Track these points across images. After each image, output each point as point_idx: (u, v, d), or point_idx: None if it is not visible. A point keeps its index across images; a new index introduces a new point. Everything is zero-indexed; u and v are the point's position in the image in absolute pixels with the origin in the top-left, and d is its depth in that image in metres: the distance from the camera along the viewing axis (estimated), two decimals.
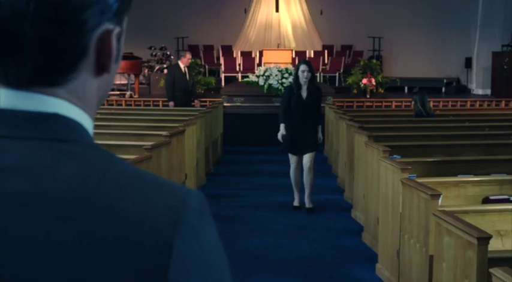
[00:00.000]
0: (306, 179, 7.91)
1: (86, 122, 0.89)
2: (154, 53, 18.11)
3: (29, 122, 0.84)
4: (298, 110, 7.71)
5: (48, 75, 0.85)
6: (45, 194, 0.79)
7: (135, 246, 0.78)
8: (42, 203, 0.78)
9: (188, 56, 11.45)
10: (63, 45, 0.84)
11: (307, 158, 7.87)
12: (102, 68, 0.89)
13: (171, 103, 11.13)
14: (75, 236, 0.77)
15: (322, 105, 12.39)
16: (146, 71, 17.82)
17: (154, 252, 0.78)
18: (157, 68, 17.59)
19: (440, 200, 4.50)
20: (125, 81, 17.35)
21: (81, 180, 0.80)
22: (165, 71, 17.11)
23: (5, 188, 0.79)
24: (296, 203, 8.03)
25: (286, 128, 7.83)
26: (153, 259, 0.78)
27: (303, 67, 7.76)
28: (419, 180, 5.08)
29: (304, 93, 7.76)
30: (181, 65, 11.25)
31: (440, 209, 4.33)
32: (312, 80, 7.82)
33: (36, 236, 0.77)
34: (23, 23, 0.81)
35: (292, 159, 8.03)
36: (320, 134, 7.94)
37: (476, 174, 5.67)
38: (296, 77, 7.81)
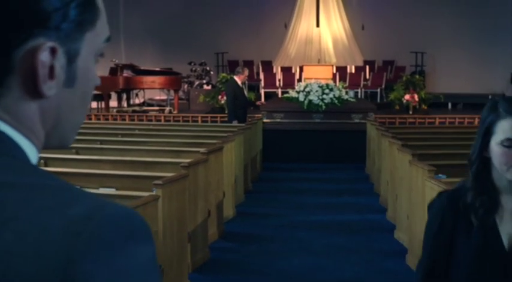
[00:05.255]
0: None
1: (23, 143, 0.86)
2: (194, 69, 18.10)
3: None
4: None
5: None
6: None
7: (34, 256, 0.73)
8: None
9: (246, 72, 11.34)
10: None
11: None
12: (32, 89, 0.84)
13: (235, 121, 10.94)
14: None
15: (363, 121, 12.33)
16: (186, 86, 17.80)
17: (54, 265, 0.72)
18: (196, 83, 17.57)
19: None
20: (164, 97, 17.36)
21: None
22: (206, 86, 17.08)
23: None
24: None
25: None
26: (52, 271, 0.72)
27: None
28: None
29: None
30: (239, 81, 11.12)
31: None
32: None
33: None
34: None
35: None
36: None
37: None
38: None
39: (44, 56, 0.83)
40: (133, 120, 14.18)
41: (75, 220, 0.75)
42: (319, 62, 18.68)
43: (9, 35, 0.82)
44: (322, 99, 12.88)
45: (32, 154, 0.87)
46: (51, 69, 0.84)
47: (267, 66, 18.71)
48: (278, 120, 12.99)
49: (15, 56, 0.82)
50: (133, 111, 15.45)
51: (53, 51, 0.84)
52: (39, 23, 0.83)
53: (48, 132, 0.89)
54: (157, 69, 16.47)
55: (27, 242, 0.74)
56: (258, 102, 12.61)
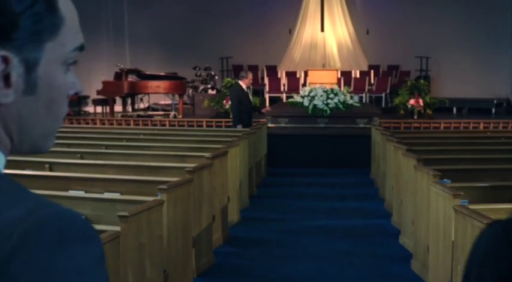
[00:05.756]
0: None
1: None
2: (198, 73, 18.11)
3: None
4: None
5: None
6: None
7: None
8: None
9: (250, 76, 11.31)
10: None
11: None
12: None
13: (239, 126, 10.93)
14: None
15: (368, 126, 12.31)
16: (190, 91, 17.81)
17: None
18: (201, 88, 17.58)
19: None
20: (169, 102, 17.38)
21: None
22: (210, 91, 17.09)
23: None
24: None
25: None
26: None
27: None
28: (472, 206, 4.83)
29: None
30: (243, 86, 11.10)
31: None
32: None
33: None
34: None
35: None
36: None
37: None
38: None
39: None
40: (138, 124, 14.20)
41: (9, 222, 0.75)
42: (324, 66, 18.68)
43: None
44: (327, 104, 12.87)
45: None
46: (7, 77, 0.86)
47: (272, 70, 18.71)
48: (283, 125, 12.98)
49: None
50: (138, 115, 15.46)
51: (4, 60, 0.85)
52: None
53: (16, 139, 0.91)
54: (162, 74, 16.49)
55: None
56: (263, 110, 12.60)
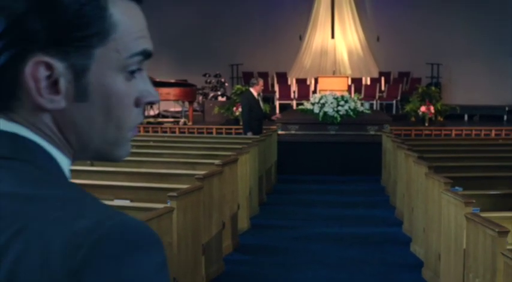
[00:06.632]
0: None
1: (52, 151, 0.90)
2: (208, 80, 18.12)
3: None
4: None
5: None
6: None
7: (41, 268, 0.76)
8: None
9: (261, 83, 11.27)
10: None
11: None
12: (34, 102, 0.88)
13: (249, 133, 10.92)
14: None
15: (378, 133, 12.26)
16: (200, 98, 17.83)
17: (58, 277, 0.75)
18: (211, 95, 17.59)
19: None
20: (179, 109, 17.40)
21: (8, 200, 0.81)
22: (220, 98, 17.10)
23: None
24: None
25: None
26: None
27: None
28: (484, 214, 4.79)
29: None
30: (254, 93, 11.07)
31: (509, 247, 4.04)
32: None
33: None
34: None
35: None
36: None
37: None
38: None
39: (35, 70, 0.86)
40: (148, 131, 14.21)
41: (79, 233, 0.77)
42: (334, 73, 18.65)
43: (12, 50, 0.85)
44: (337, 111, 12.84)
45: (63, 163, 0.91)
46: (55, 83, 0.87)
47: (282, 77, 18.70)
48: (293, 132, 12.96)
49: (21, 69, 0.86)
50: (148, 122, 15.48)
51: (48, 66, 0.86)
52: (37, 38, 0.85)
53: (75, 145, 0.92)
54: (172, 81, 16.50)
55: (35, 254, 0.76)
56: (273, 117, 12.59)
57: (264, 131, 11.41)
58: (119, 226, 0.79)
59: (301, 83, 17.89)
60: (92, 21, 0.87)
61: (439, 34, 18.93)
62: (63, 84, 0.87)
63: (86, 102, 0.89)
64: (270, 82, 18.76)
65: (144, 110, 0.99)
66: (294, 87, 17.47)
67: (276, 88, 17.47)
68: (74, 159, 0.95)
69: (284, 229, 8.34)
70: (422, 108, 15.01)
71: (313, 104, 13.26)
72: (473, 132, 14.06)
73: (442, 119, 15.52)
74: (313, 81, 17.84)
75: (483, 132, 13.94)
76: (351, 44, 19.60)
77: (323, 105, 13.04)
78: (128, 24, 0.92)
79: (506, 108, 17.72)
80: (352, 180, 11.62)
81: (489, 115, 17.07)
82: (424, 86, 16.55)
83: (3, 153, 0.87)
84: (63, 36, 0.86)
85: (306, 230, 8.27)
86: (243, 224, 8.13)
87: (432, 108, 15.00)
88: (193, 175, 6.24)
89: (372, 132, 12.77)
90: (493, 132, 13.96)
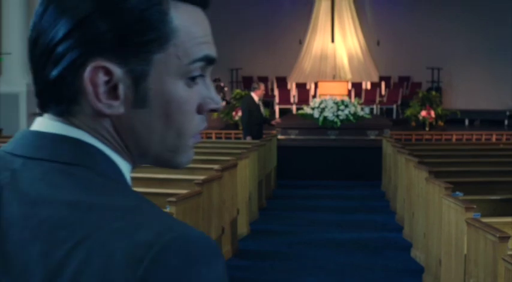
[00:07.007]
0: None
1: (114, 157, 0.90)
2: None
3: (49, 144, 0.87)
4: None
5: (48, 105, 0.90)
6: (38, 217, 0.80)
7: (102, 280, 0.75)
8: (36, 226, 0.80)
9: (262, 87, 11.25)
10: (48, 77, 0.87)
11: None
12: (93, 107, 0.87)
13: (249, 137, 10.90)
14: (57, 262, 0.77)
15: (379, 137, 12.24)
16: None
17: None
18: None
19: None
20: None
21: (71, 209, 0.80)
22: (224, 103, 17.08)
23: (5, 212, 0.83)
24: None
25: None
26: None
27: None
28: (484, 219, 4.76)
29: None
30: (255, 98, 11.04)
31: (510, 253, 4.01)
32: None
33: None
34: (28, 54, 0.90)
35: None
36: None
37: None
38: None
39: (93, 75, 0.85)
40: None
41: (140, 245, 0.76)
42: (334, 78, 18.64)
43: (76, 53, 0.85)
44: (337, 116, 12.81)
45: (124, 168, 0.91)
46: (114, 89, 0.87)
47: (282, 82, 18.69)
48: (293, 136, 12.94)
49: (80, 74, 0.86)
50: None
51: (107, 71, 0.85)
52: (100, 42, 0.85)
53: (133, 151, 0.92)
54: None
55: (96, 265, 0.76)
56: (273, 122, 12.58)
57: (264, 136, 11.39)
58: (179, 238, 0.78)
59: (301, 87, 17.88)
60: (152, 26, 0.86)
61: (440, 38, 18.93)
62: (122, 89, 0.87)
63: (145, 109, 0.89)
64: (269, 86, 18.75)
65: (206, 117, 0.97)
66: (293, 92, 17.45)
67: (276, 93, 17.45)
68: (134, 164, 0.94)
69: (284, 234, 8.31)
70: (423, 113, 14.99)
71: (313, 109, 13.23)
72: (474, 136, 14.03)
73: (442, 124, 15.50)
74: (313, 86, 17.84)
75: (484, 137, 13.91)
76: (351, 48, 19.60)
77: (323, 109, 13.01)
78: (190, 30, 0.90)
79: (507, 113, 17.71)
80: (352, 185, 11.59)
81: (490, 120, 17.06)
82: (425, 91, 16.55)
83: (65, 158, 0.86)
84: (123, 41, 0.85)
85: (306, 236, 8.24)
86: (243, 229, 8.10)
87: (433, 113, 14.99)
88: (192, 180, 6.22)
89: (372, 137, 12.74)
90: (494, 137, 13.93)
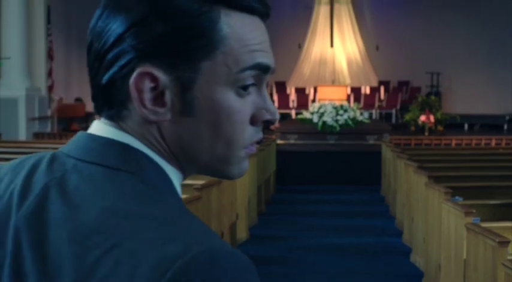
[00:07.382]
0: None
1: (163, 164, 0.89)
2: None
3: (98, 147, 0.88)
4: None
5: (102, 109, 0.90)
6: (77, 219, 0.81)
7: None
8: (75, 229, 0.80)
9: None
10: (100, 82, 0.88)
11: None
12: (139, 111, 0.87)
13: None
14: (88, 267, 0.77)
15: (378, 142, 12.23)
16: None
17: None
18: None
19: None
20: None
21: (109, 214, 0.80)
22: None
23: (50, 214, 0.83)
24: None
25: None
26: None
27: None
28: (484, 224, 4.75)
29: None
30: None
31: (510, 258, 3.99)
32: None
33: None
34: (87, 58, 0.91)
35: None
36: None
37: None
38: None
39: (139, 81, 0.85)
40: None
41: (166, 258, 0.74)
42: (334, 82, 18.64)
43: (129, 56, 0.85)
44: (337, 121, 12.81)
45: (173, 176, 0.90)
46: (161, 95, 0.85)
47: (281, 86, 18.70)
48: (292, 141, 12.93)
49: (128, 78, 0.86)
50: None
51: (153, 78, 0.84)
52: (146, 50, 0.84)
53: (183, 160, 0.90)
54: None
55: (122, 274, 0.75)
56: (272, 127, 12.60)
57: (264, 141, 11.38)
58: (206, 252, 0.75)
59: (300, 92, 17.90)
60: (202, 33, 0.85)
61: (439, 43, 18.95)
62: (168, 97, 0.86)
63: (193, 117, 0.87)
64: (268, 91, 18.65)
65: (262, 128, 0.95)
66: (292, 97, 17.47)
67: (275, 97, 17.47)
68: (185, 173, 0.92)
69: (283, 239, 8.29)
70: (422, 118, 14.98)
71: (312, 114, 13.23)
72: (474, 141, 14.01)
73: (442, 129, 15.50)
74: (312, 91, 17.85)
75: (483, 142, 13.89)
76: (350, 52, 19.62)
77: (322, 114, 13.02)
78: (241, 38, 0.88)
79: (507, 117, 17.72)
80: (352, 190, 11.58)
81: (489, 124, 17.07)
82: (424, 95, 16.56)
83: (111, 163, 0.85)
84: (171, 47, 0.84)
85: (305, 240, 8.23)
86: (242, 234, 8.09)
87: (432, 118, 14.98)
88: (191, 185, 6.20)
89: (372, 142, 12.74)
90: (494, 142, 13.91)
